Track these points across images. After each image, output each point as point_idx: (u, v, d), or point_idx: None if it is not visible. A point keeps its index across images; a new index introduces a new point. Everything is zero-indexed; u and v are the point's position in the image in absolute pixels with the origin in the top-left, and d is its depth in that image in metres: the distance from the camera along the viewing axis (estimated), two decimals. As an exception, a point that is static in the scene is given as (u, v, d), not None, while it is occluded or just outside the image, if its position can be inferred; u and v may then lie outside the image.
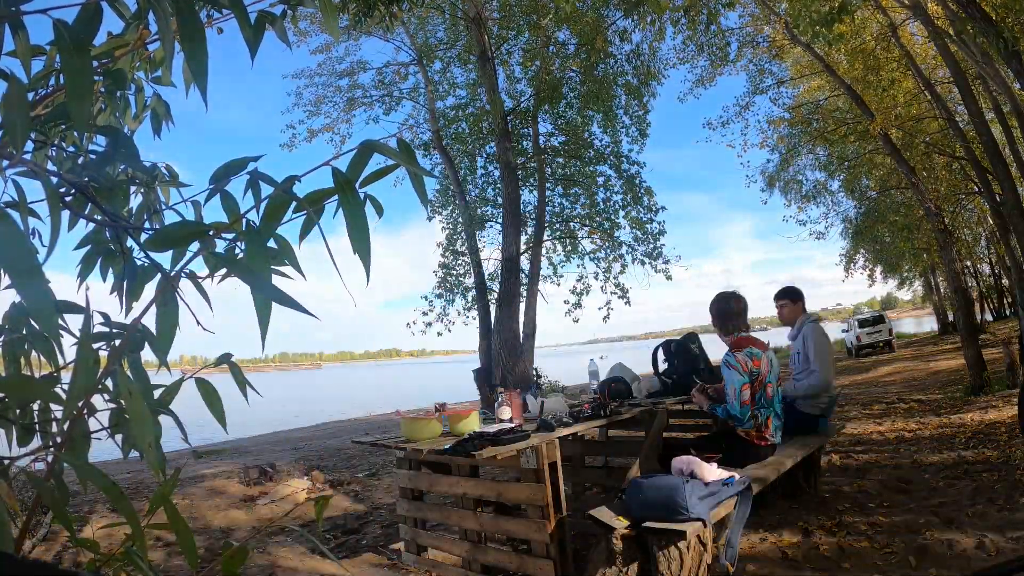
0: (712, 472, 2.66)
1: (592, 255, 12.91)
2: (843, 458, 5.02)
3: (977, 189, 10.59)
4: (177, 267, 0.76)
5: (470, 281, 12.35)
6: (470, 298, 12.52)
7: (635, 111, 12.00)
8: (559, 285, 13.35)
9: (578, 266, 12.98)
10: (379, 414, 16.44)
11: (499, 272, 11.18)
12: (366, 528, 4.35)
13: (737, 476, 2.72)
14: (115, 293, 0.96)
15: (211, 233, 0.69)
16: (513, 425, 3.05)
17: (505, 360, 9.89)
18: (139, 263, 0.92)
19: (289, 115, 12.55)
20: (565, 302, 12.91)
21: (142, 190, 0.99)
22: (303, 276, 0.68)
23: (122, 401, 0.87)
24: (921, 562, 2.77)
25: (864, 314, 24.11)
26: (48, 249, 0.70)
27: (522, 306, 10.98)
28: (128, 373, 0.81)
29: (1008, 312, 24.28)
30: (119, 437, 0.86)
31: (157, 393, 0.85)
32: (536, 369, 10.17)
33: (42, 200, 0.88)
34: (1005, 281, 23.35)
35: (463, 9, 10.81)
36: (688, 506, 2.39)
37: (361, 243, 0.68)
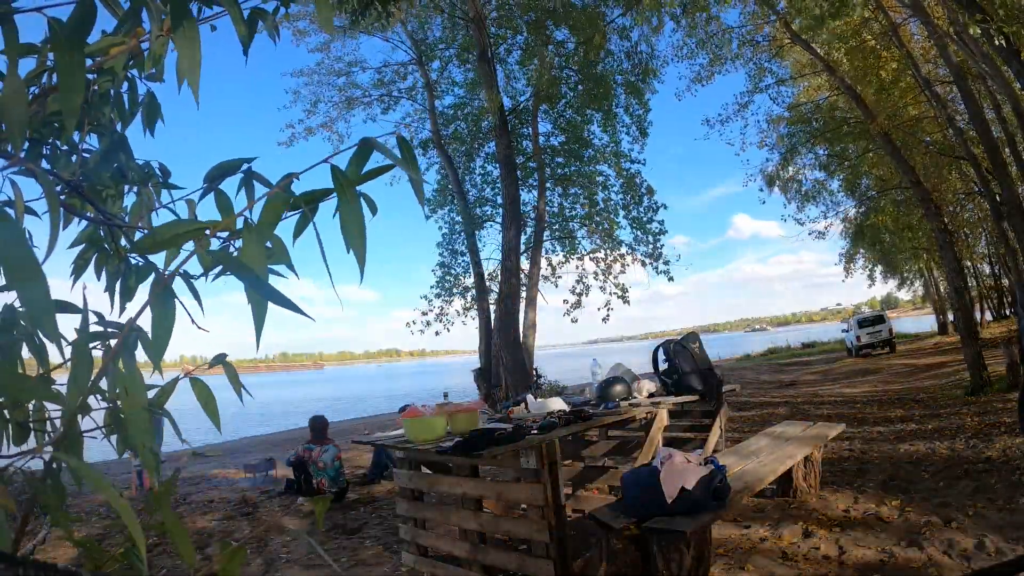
0: (691, 456, 2.75)
1: (592, 255, 12.90)
2: (842, 458, 5.02)
3: (977, 189, 10.58)
4: (171, 267, 0.76)
5: (469, 281, 12.33)
6: (469, 298, 12.50)
7: (635, 110, 11.99)
8: (557, 286, 13.33)
9: (577, 267, 12.97)
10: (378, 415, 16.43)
11: (499, 272, 11.16)
12: (366, 528, 4.35)
13: (718, 459, 2.84)
14: (108, 292, 0.95)
15: (207, 232, 0.69)
16: (519, 423, 3.06)
17: (505, 360, 9.87)
18: (134, 262, 0.91)
19: (287, 113, 12.59)
20: (565, 302, 12.90)
21: (135, 188, 0.98)
22: (296, 275, 0.68)
23: (118, 401, 0.87)
24: (921, 562, 2.77)
25: (864, 314, 24.07)
26: (47, 250, 0.70)
27: (522, 306, 10.96)
28: (123, 372, 0.80)
29: (1008, 312, 24.25)
30: (115, 437, 0.85)
31: (151, 393, 0.84)
32: (536, 369, 10.17)
33: (38, 199, 0.87)
34: (1005, 281, 23.32)
35: (462, 8, 10.80)
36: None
37: (357, 242, 0.67)
